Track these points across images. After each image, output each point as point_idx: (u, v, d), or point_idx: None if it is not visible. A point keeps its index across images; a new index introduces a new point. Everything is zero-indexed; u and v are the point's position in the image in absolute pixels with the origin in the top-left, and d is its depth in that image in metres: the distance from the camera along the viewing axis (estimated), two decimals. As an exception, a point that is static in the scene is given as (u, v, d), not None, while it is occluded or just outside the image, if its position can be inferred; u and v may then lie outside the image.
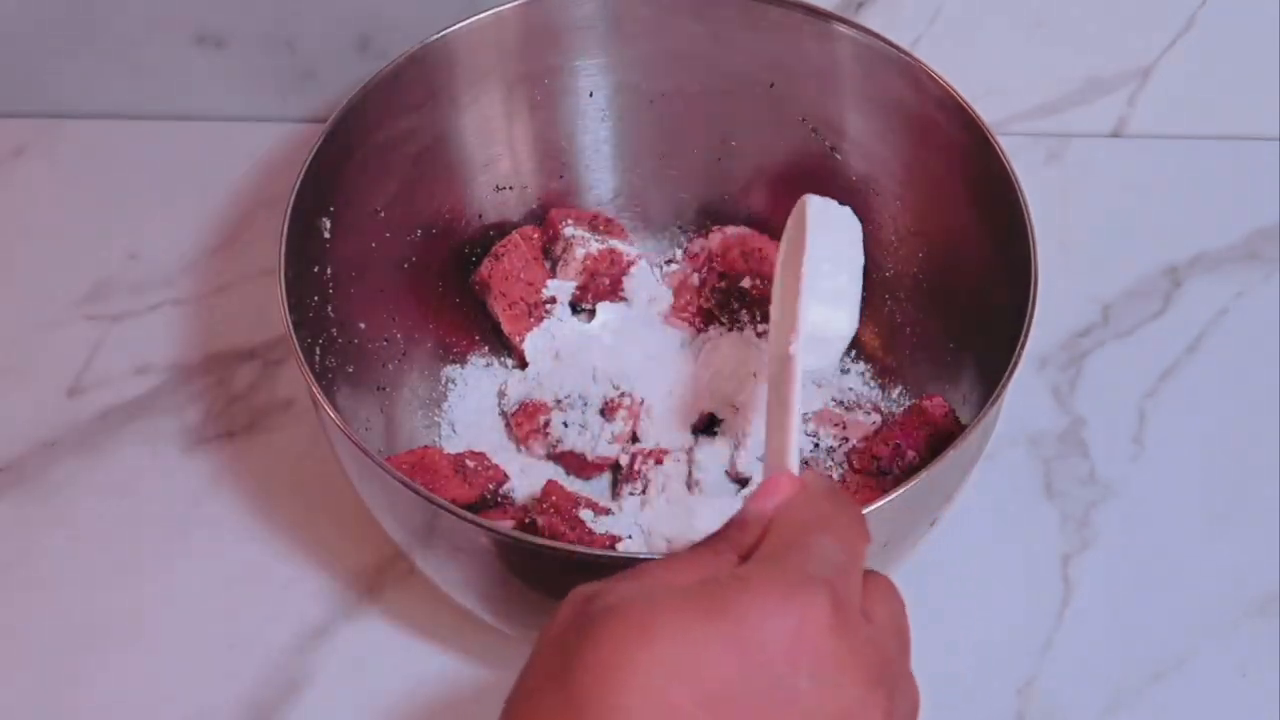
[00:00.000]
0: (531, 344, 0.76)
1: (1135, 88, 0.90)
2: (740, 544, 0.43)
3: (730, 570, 0.42)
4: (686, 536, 0.68)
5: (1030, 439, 0.78)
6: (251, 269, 0.86)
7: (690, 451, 0.73)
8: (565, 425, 0.74)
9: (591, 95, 0.77)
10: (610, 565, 0.59)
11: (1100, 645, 0.72)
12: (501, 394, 0.77)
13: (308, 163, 0.67)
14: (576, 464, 0.74)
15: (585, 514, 0.69)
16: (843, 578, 0.42)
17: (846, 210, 0.59)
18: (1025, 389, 0.78)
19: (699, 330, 0.78)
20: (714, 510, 0.65)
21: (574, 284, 0.78)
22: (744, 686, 0.38)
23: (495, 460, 0.72)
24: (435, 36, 0.72)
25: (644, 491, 0.72)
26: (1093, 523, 0.75)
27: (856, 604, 0.42)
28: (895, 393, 0.76)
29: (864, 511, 0.57)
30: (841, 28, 0.72)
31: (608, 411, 0.74)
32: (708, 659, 0.38)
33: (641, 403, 0.74)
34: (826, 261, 0.56)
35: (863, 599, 0.43)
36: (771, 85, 0.75)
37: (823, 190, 0.76)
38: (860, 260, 0.58)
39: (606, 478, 0.75)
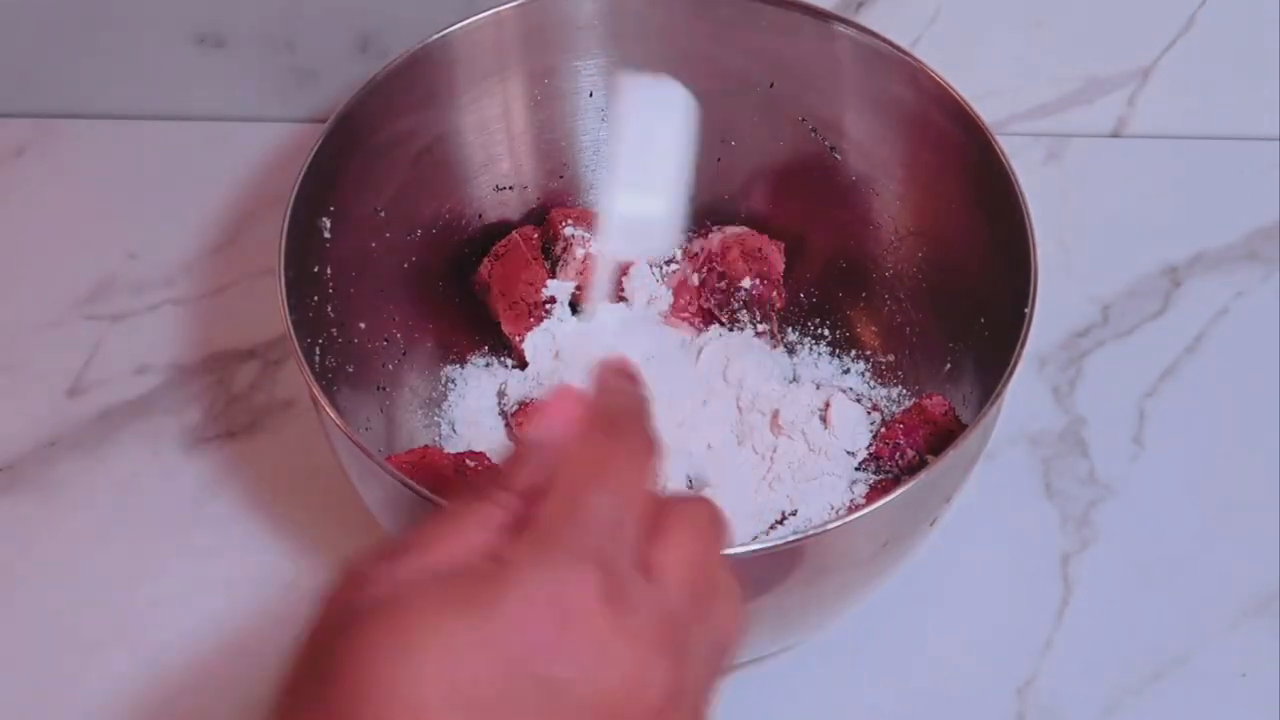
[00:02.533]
0: (531, 344, 0.76)
1: (1135, 88, 0.90)
2: (520, 490, 0.40)
3: (495, 548, 0.38)
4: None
5: (1030, 439, 0.78)
6: (251, 269, 0.86)
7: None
8: (565, 425, 0.74)
9: (591, 95, 0.77)
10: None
11: (1100, 645, 0.72)
12: (501, 394, 0.77)
13: (308, 163, 0.67)
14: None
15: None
16: (613, 540, 0.39)
17: (668, 85, 0.54)
18: (1025, 389, 0.78)
19: (699, 330, 0.78)
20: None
21: (574, 284, 0.78)
22: (507, 689, 0.36)
23: (495, 460, 0.72)
24: (435, 36, 0.72)
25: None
26: (1092, 522, 0.76)
27: (629, 564, 0.39)
28: (895, 392, 0.76)
29: (864, 512, 0.57)
30: (841, 28, 0.72)
31: (608, 411, 0.74)
32: (465, 665, 0.36)
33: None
34: (634, 144, 0.51)
35: (648, 548, 0.40)
36: (771, 85, 0.76)
37: (823, 190, 0.77)
38: (683, 139, 0.53)
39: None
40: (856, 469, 0.72)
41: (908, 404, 0.74)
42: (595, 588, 0.37)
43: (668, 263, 0.80)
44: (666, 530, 0.40)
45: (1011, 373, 0.61)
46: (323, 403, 0.60)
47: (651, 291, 0.78)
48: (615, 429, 0.41)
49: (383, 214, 0.73)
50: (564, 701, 0.37)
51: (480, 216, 0.78)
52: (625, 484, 0.40)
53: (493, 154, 0.77)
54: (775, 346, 0.78)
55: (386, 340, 0.74)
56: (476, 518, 0.40)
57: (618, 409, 0.42)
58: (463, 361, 0.78)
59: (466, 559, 0.38)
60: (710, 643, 0.41)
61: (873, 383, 0.77)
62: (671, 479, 0.72)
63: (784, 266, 0.78)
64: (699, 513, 0.42)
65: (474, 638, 0.36)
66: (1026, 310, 0.62)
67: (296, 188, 0.66)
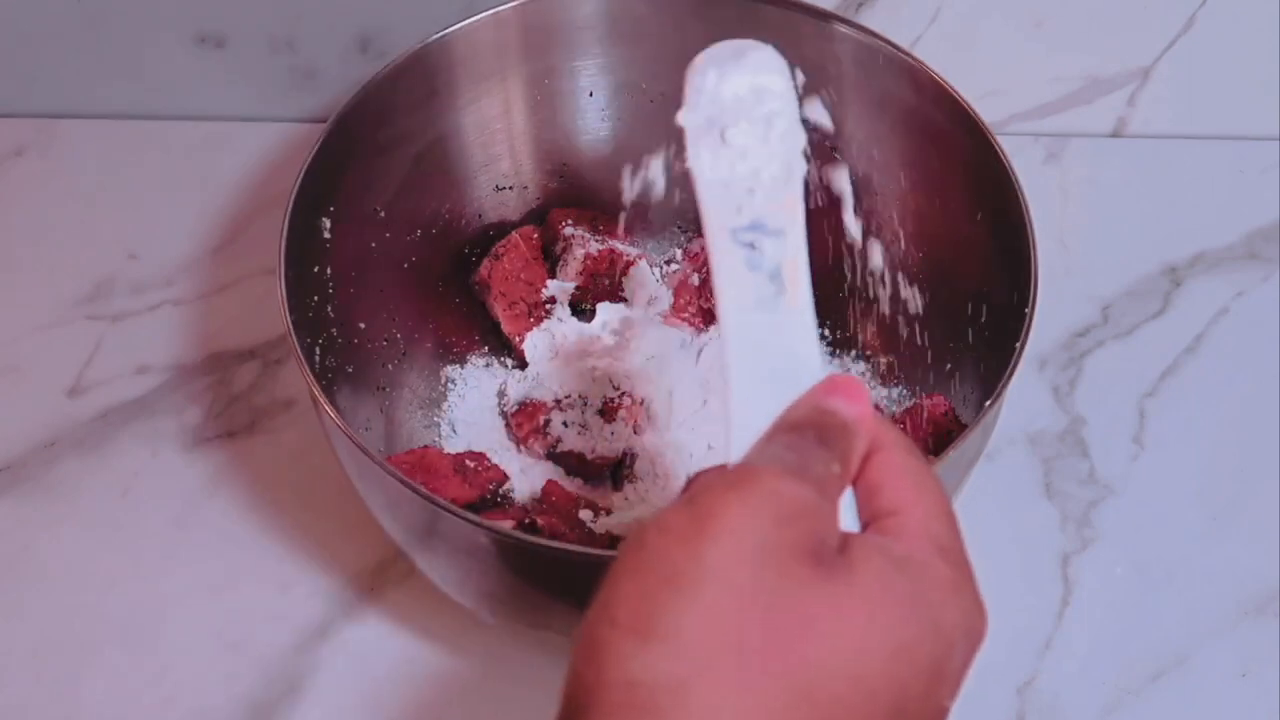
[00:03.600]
0: (531, 344, 0.77)
1: (1135, 88, 0.90)
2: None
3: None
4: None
5: (1030, 439, 0.78)
6: (252, 269, 0.86)
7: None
8: (565, 425, 0.74)
9: (591, 95, 0.77)
10: (607, 565, 0.59)
11: (1100, 645, 0.72)
12: (501, 394, 0.77)
13: (308, 162, 0.67)
14: (576, 464, 0.74)
15: (585, 514, 0.70)
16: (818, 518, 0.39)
17: (766, 50, 0.52)
18: (1025, 389, 0.79)
19: (699, 330, 0.78)
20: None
21: (574, 284, 0.78)
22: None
23: (495, 460, 0.72)
24: (435, 36, 0.72)
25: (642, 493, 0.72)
26: (1093, 522, 0.76)
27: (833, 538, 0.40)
28: (895, 392, 0.76)
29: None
30: (841, 28, 0.72)
31: (607, 411, 0.74)
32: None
33: (641, 403, 0.74)
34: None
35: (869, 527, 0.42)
36: (771, 85, 0.75)
37: (823, 190, 0.77)
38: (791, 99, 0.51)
39: (606, 478, 0.75)
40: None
41: (908, 404, 0.74)
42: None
43: (668, 263, 0.80)
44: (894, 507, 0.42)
45: (1011, 373, 0.61)
46: (323, 403, 0.60)
47: (652, 291, 0.78)
48: (829, 439, 0.41)
49: (383, 214, 0.73)
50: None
51: (480, 216, 0.78)
52: (825, 478, 0.40)
53: (493, 154, 0.77)
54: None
55: (386, 340, 0.74)
56: (811, 485, 0.40)
57: (837, 431, 0.42)
58: (463, 361, 0.78)
59: (812, 527, 0.39)
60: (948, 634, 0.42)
61: (873, 383, 0.77)
62: (673, 479, 0.72)
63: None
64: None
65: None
66: (1026, 310, 0.62)
67: (297, 188, 0.66)
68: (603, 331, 0.77)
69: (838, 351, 0.78)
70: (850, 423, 0.42)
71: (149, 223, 0.88)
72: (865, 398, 0.43)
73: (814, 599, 0.37)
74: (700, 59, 0.49)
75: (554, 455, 0.74)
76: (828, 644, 0.37)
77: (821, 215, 0.78)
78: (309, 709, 0.70)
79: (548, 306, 0.77)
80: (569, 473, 0.74)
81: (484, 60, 0.74)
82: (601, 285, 0.78)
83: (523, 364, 0.77)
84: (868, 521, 0.42)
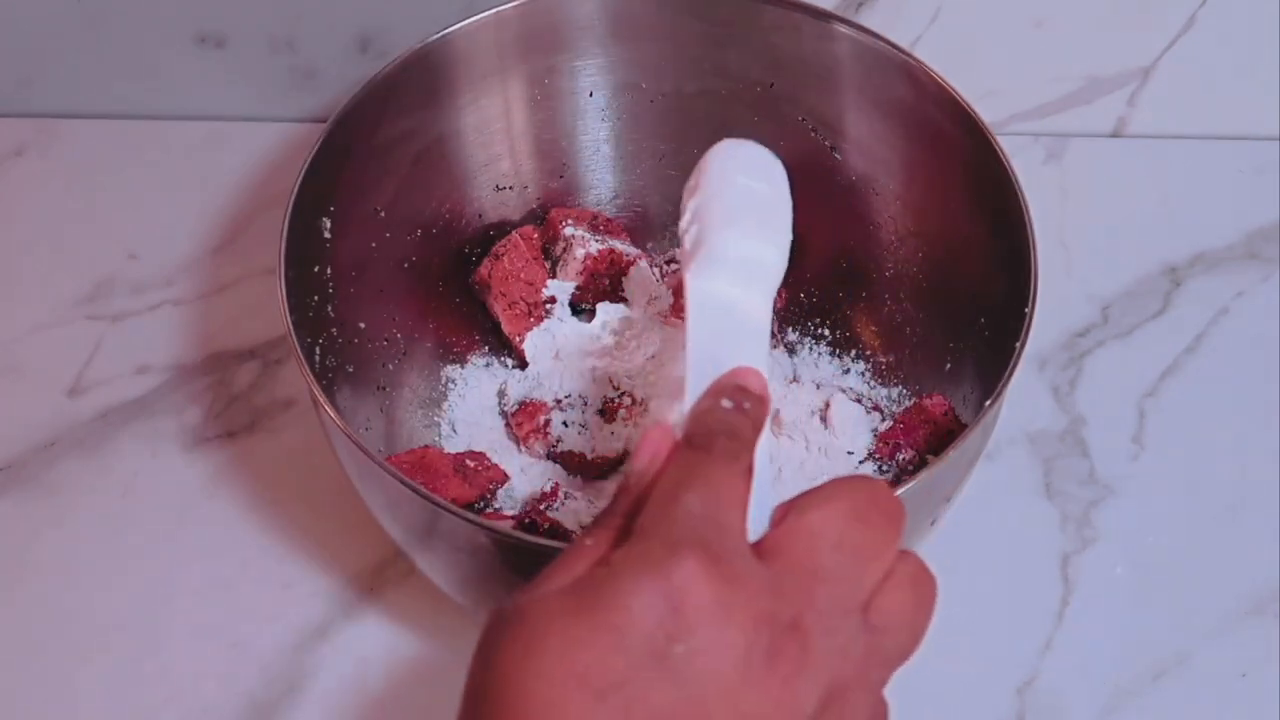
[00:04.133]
0: (531, 344, 0.77)
1: (1135, 88, 0.90)
2: (624, 513, 0.43)
3: (604, 557, 0.41)
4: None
5: (1030, 438, 0.78)
6: (252, 269, 0.86)
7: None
8: (565, 425, 0.74)
9: (591, 95, 0.77)
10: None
11: (1100, 645, 0.72)
12: (501, 394, 0.77)
13: (308, 162, 0.67)
14: (577, 464, 0.74)
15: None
16: (716, 529, 0.41)
17: (766, 152, 0.56)
18: (1025, 389, 0.79)
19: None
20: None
21: (574, 284, 0.78)
22: (631, 671, 0.38)
23: (495, 460, 0.72)
24: (435, 36, 0.72)
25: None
26: (1093, 522, 0.76)
27: (740, 549, 0.41)
28: (895, 392, 0.76)
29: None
30: (841, 27, 0.72)
31: (608, 411, 0.74)
32: (591, 654, 0.38)
33: (642, 403, 0.74)
34: (743, 193, 0.54)
35: (767, 539, 0.42)
36: (771, 85, 0.76)
37: (823, 190, 0.77)
38: (787, 199, 0.55)
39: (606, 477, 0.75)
40: (857, 469, 0.72)
41: (908, 404, 0.74)
42: (697, 565, 0.39)
43: (668, 262, 0.80)
44: (796, 506, 0.43)
45: (1011, 373, 0.61)
46: (323, 403, 0.60)
47: (652, 291, 0.78)
48: (709, 444, 0.44)
49: (383, 214, 0.73)
50: (689, 672, 0.38)
51: (480, 216, 0.78)
52: (714, 481, 0.42)
53: (493, 154, 0.77)
54: (775, 346, 0.78)
55: (386, 340, 0.74)
56: (588, 542, 0.42)
57: (715, 428, 0.44)
58: (463, 361, 0.78)
59: (587, 567, 0.41)
60: (874, 626, 0.42)
61: (873, 383, 0.77)
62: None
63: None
64: (852, 488, 0.44)
65: (591, 629, 0.39)
66: (1026, 310, 0.62)
67: (297, 188, 0.66)
68: (603, 331, 0.77)
69: (838, 351, 0.78)
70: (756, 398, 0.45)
71: (149, 223, 0.88)
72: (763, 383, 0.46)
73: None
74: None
75: (554, 455, 0.74)
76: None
77: (823, 215, 0.78)
78: (309, 709, 0.70)
79: (548, 306, 0.77)
80: (569, 472, 0.74)
81: (484, 60, 0.74)
82: (601, 285, 0.78)
83: (523, 364, 0.77)
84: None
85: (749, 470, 0.44)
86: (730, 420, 0.45)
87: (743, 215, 0.53)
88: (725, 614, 0.39)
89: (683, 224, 0.54)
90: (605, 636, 0.38)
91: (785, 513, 0.43)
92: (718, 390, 0.46)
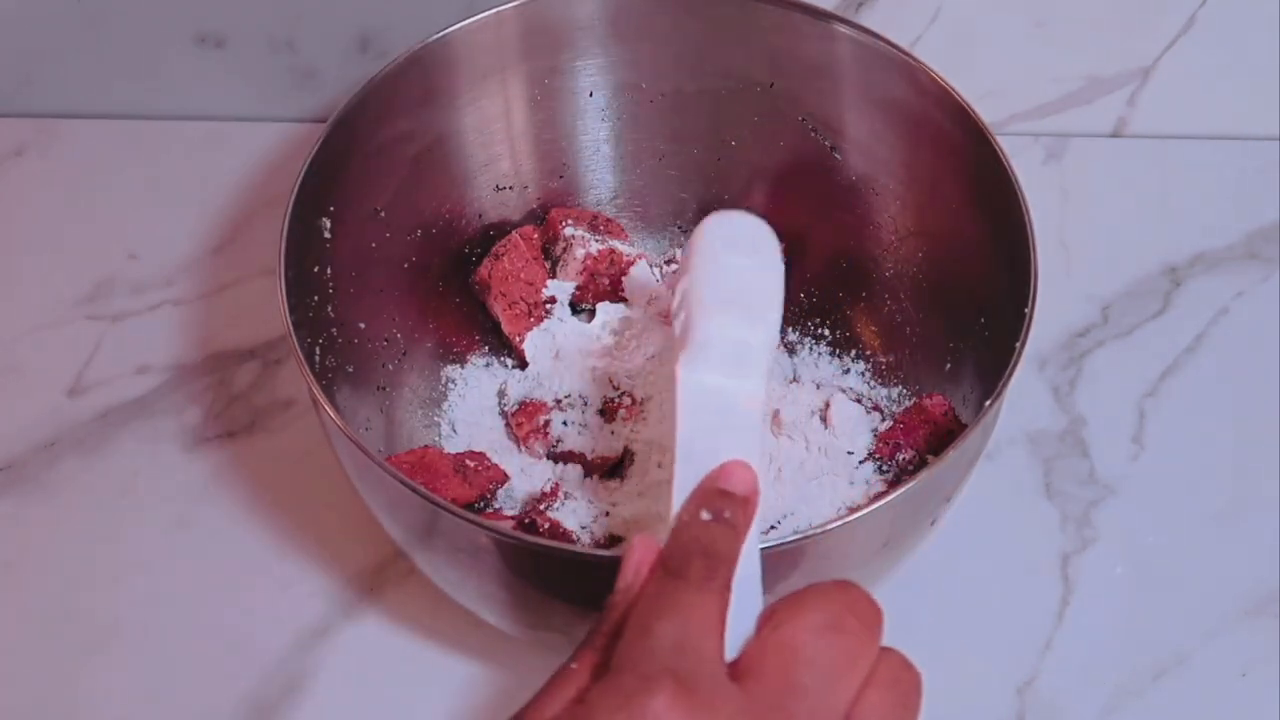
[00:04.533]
0: (531, 344, 0.76)
1: (1135, 88, 0.90)
2: (606, 634, 0.44)
3: (581, 691, 0.42)
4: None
5: (1030, 439, 0.78)
6: (251, 269, 0.86)
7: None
8: (565, 425, 0.74)
9: (591, 95, 0.77)
10: (607, 565, 0.59)
11: (1100, 645, 0.72)
12: (501, 394, 0.77)
13: (308, 162, 0.67)
14: (577, 464, 0.73)
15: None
16: (688, 658, 0.41)
17: (755, 221, 0.55)
18: (1025, 389, 0.79)
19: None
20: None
21: (574, 284, 0.78)
22: None
23: (495, 460, 0.72)
24: (435, 36, 0.72)
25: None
26: (1093, 522, 0.76)
27: (714, 675, 0.41)
28: (895, 392, 0.76)
29: (865, 512, 0.57)
30: (841, 27, 0.72)
31: (608, 411, 0.74)
32: None
33: (641, 403, 0.74)
34: (729, 273, 0.53)
35: (743, 659, 0.42)
36: (771, 85, 0.76)
37: (823, 190, 0.77)
38: (778, 271, 0.54)
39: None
40: (857, 469, 0.72)
41: (908, 404, 0.74)
42: (669, 698, 0.39)
43: (668, 262, 0.80)
44: (768, 623, 0.43)
45: (1012, 372, 0.61)
46: (323, 403, 0.60)
47: (652, 291, 0.78)
48: (682, 568, 0.44)
49: (383, 214, 0.73)
50: None
51: (480, 216, 0.78)
52: (686, 607, 0.42)
53: (493, 154, 0.77)
54: (775, 346, 0.78)
55: (386, 340, 0.74)
56: (573, 665, 0.43)
57: (692, 549, 0.45)
58: (463, 361, 0.78)
59: (559, 709, 0.41)
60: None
61: (873, 382, 0.77)
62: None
63: (784, 266, 0.78)
64: (826, 597, 0.44)
65: None
66: (1026, 310, 0.62)
67: (297, 188, 0.66)
68: (603, 331, 0.77)
69: (838, 351, 0.78)
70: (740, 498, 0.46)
71: (149, 223, 0.88)
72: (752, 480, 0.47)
73: None
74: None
75: (554, 455, 0.74)
76: None
77: (823, 215, 0.78)
78: (309, 709, 0.70)
79: (548, 306, 0.77)
80: (585, 473, 0.74)
81: (484, 60, 0.74)
82: (601, 285, 0.78)
83: (523, 364, 0.77)
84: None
85: (726, 587, 0.44)
86: (708, 538, 0.45)
87: (730, 298, 0.52)
88: None
89: (673, 307, 0.54)
90: None
91: (762, 624, 0.43)
92: (699, 499, 0.46)
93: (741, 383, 0.50)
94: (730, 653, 0.43)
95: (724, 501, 0.46)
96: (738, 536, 0.46)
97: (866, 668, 0.43)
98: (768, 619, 0.43)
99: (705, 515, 0.46)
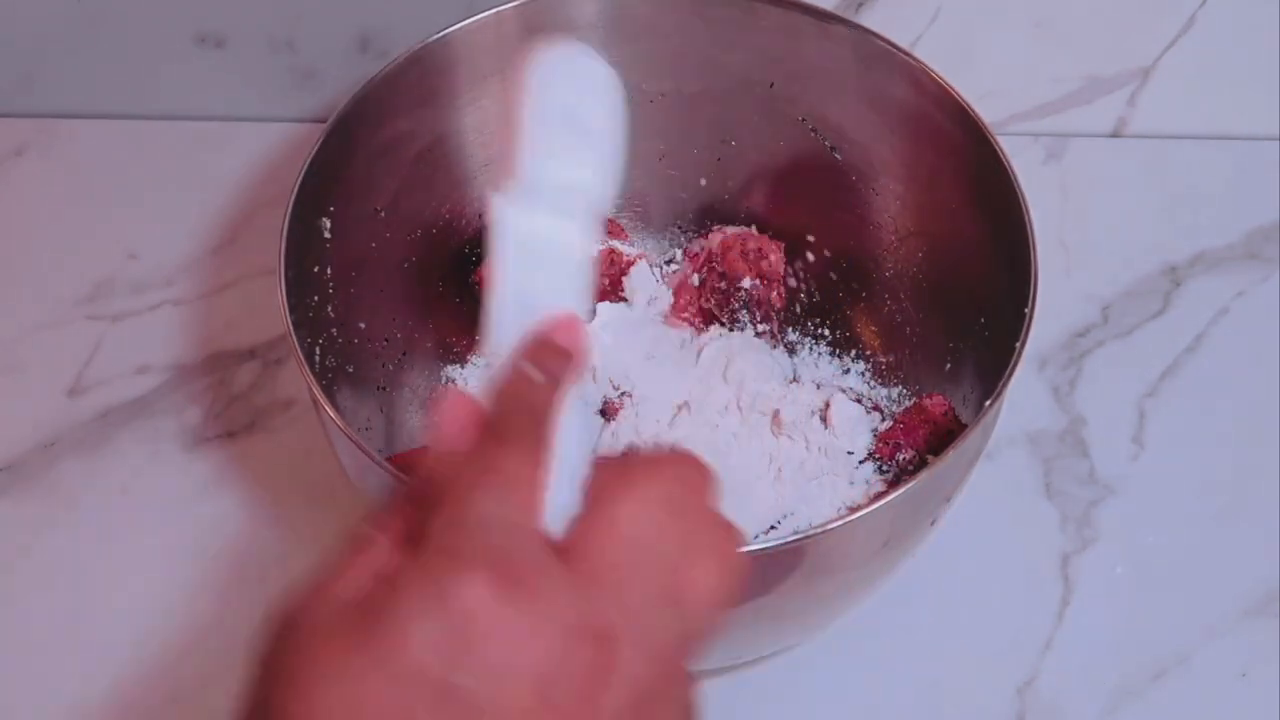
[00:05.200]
0: (531, 344, 0.76)
1: (1135, 88, 0.90)
2: (416, 501, 0.39)
3: (387, 568, 0.38)
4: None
5: (1030, 438, 0.78)
6: (252, 269, 0.86)
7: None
8: (565, 425, 0.74)
9: (592, 95, 0.77)
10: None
11: (1100, 645, 0.72)
12: (501, 394, 0.76)
13: (308, 162, 0.67)
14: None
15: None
16: (504, 535, 0.37)
17: (594, 63, 0.48)
18: (1025, 388, 0.79)
19: (699, 330, 0.78)
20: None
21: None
22: (412, 706, 0.35)
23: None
24: (435, 36, 0.71)
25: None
26: (1093, 522, 0.76)
27: (537, 557, 0.37)
28: (895, 392, 0.76)
29: (865, 512, 0.57)
30: (841, 28, 0.72)
31: (608, 411, 0.74)
32: (368, 694, 0.35)
33: (641, 403, 0.74)
34: (561, 110, 0.47)
35: (572, 539, 0.39)
36: (771, 85, 0.76)
37: (823, 190, 0.77)
38: (616, 114, 0.48)
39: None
40: (857, 469, 0.72)
41: (908, 404, 0.74)
42: (485, 585, 0.36)
43: (668, 263, 0.80)
44: (598, 500, 0.40)
45: (1012, 372, 0.61)
46: (323, 403, 0.60)
47: (652, 291, 0.78)
48: (506, 430, 0.40)
49: (383, 214, 0.73)
50: (477, 706, 0.35)
51: (480, 216, 0.78)
52: (512, 479, 0.39)
53: (493, 154, 0.77)
54: (775, 346, 0.78)
55: (387, 340, 0.74)
56: (376, 539, 0.39)
57: (513, 407, 0.41)
58: (463, 361, 0.78)
59: (362, 584, 0.38)
60: (685, 613, 0.39)
61: (873, 382, 0.77)
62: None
63: (784, 266, 0.78)
64: (657, 469, 0.41)
65: (370, 661, 0.35)
66: (1026, 310, 0.62)
67: (297, 188, 0.66)
68: (603, 331, 0.77)
69: (838, 351, 0.78)
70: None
71: (149, 223, 0.88)
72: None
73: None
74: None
75: (554, 455, 0.74)
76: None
77: (823, 215, 0.78)
78: (309, 709, 0.70)
79: (548, 306, 0.77)
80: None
81: (484, 60, 0.74)
82: (601, 285, 0.78)
83: (523, 364, 0.77)
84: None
85: (542, 450, 0.40)
86: (531, 395, 0.41)
87: (562, 139, 0.46)
88: (519, 637, 0.36)
89: (499, 141, 0.49)
90: (383, 671, 0.35)
91: (590, 499, 0.40)
92: (524, 353, 0.43)
93: (570, 225, 0.46)
94: (553, 524, 0.39)
95: (548, 355, 0.42)
96: (556, 393, 0.42)
97: (702, 544, 0.40)
98: (598, 495, 0.40)
99: (529, 369, 0.42)
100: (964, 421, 0.69)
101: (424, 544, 0.37)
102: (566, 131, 0.47)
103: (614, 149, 0.47)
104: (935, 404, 0.70)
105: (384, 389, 0.74)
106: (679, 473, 0.41)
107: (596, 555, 0.38)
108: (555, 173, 0.46)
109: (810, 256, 0.79)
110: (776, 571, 0.58)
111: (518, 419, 0.41)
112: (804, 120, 0.76)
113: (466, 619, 0.35)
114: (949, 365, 0.73)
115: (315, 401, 0.61)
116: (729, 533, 0.41)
